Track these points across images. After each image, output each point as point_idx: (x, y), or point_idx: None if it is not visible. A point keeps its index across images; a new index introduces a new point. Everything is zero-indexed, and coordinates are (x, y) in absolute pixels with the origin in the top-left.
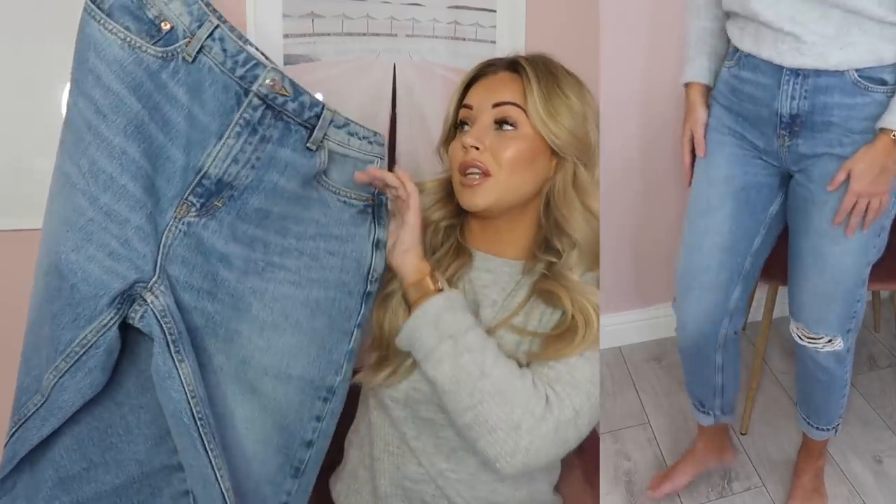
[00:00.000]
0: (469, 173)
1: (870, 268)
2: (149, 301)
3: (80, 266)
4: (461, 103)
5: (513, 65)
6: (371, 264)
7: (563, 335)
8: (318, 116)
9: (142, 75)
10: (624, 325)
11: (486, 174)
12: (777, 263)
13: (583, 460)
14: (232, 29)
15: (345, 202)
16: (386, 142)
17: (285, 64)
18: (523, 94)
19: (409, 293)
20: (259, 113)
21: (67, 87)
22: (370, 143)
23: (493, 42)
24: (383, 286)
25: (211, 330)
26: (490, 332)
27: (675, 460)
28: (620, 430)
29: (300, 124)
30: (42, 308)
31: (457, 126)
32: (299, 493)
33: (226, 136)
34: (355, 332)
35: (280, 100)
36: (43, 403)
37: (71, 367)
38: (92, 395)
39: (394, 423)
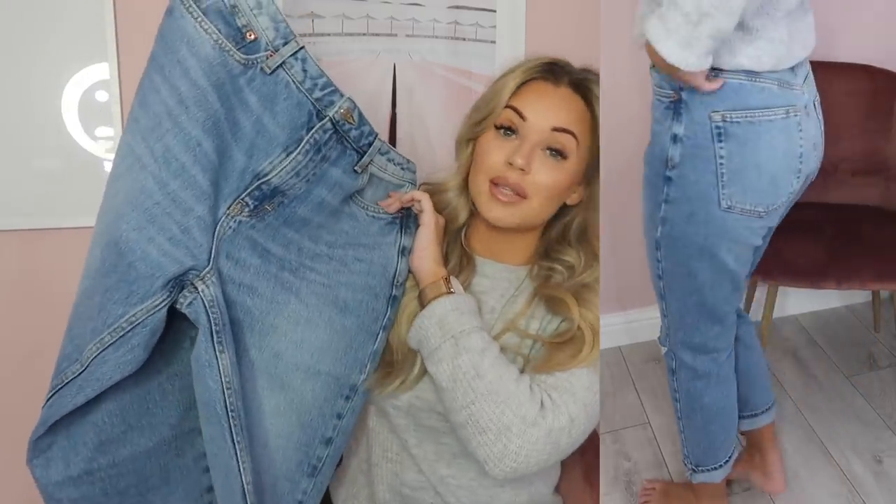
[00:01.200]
0: (503, 190)
1: None
2: (199, 289)
3: (139, 246)
4: (509, 102)
5: (579, 84)
6: (397, 269)
7: (567, 345)
8: (370, 144)
9: (225, 77)
10: (624, 325)
11: (522, 195)
12: (777, 264)
13: (583, 460)
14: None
15: (373, 217)
16: (416, 169)
17: None
18: (581, 123)
19: (423, 295)
20: (327, 135)
21: (67, 87)
22: (403, 169)
23: (493, 42)
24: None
25: (248, 324)
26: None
27: (675, 460)
28: (620, 430)
29: (354, 149)
30: (95, 280)
31: (497, 125)
32: (314, 492)
33: (296, 152)
34: (381, 334)
35: (347, 126)
36: (81, 373)
37: (116, 341)
38: (130, 372)
39: (394, 430)
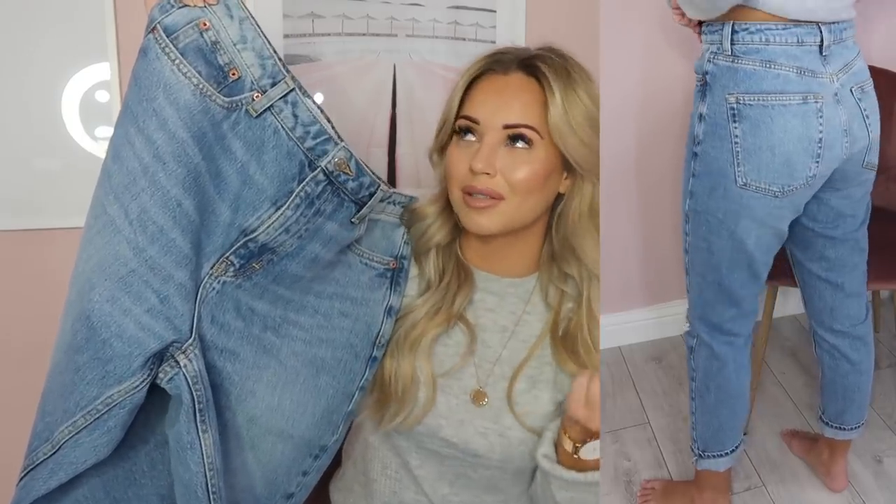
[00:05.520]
0: (476, 198)
1: None
2: (182, 364)
3: (114, 320)
4: (461, 108)
5: (527, 65)
6: (381, 329)
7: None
8: (371, 195)
9: (207, 125)
10: (624, 325)
11: (497, 199)
12: (777, 264)
13: None
14: (306, 94)
15: (366, 264)
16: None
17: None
18: (539, 104)
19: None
20: (320, 188)
21: (67, 87)
22: (403, 206)
23: (493, 42)
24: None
25: (226, 389)
26: (517, 370)
27: (675, 460)
28: (620, 430)
29: (353, 201)
30: (67, 356)
31: (455, 131)
32: None
33: (285, 206)
34: (357, 395)
35: (343, 178)
36: (51, 455)
37: (90, 424)
38: (107, 455)
39: (395, 450)
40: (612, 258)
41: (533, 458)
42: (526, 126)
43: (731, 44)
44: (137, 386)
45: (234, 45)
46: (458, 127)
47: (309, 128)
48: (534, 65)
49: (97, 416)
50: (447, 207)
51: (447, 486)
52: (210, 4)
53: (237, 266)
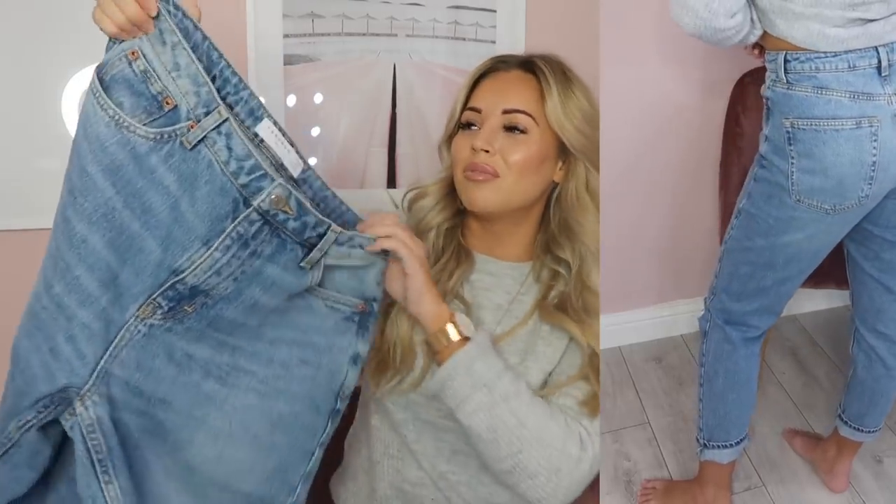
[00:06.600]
0: (475, 172)
1: None
2: (78, 412)
3: (25, 354)
4: (468, 102)
5: (527, 64)
6: (345, 380)
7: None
8: (320, 237)
9: (124, 157)
10: (624, 325)
11: (494, 175)
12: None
13: None
14: (253, 119)
15: (332, 308)
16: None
17: (285, 64)
18: (536, 97)
19: (432, 342)
20: (255, 227)
21: (67, 87)
22: (363, 249)
23: (493, 42)
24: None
25: (160, 437)
26: (496, 339)
27: (675, 460)
28: (620, 430)
29: (298, 243)
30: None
31: (461, 125)
32: None
33: (214, 247)
34: (316, 452)
35: (281, 217)
36: None
37: (2, 454)
38: (21, 493)
39: (394, 427)
40: (613, 258)
41: None
42: (523, 112)
43: (785, 73)
44: (25, 425)
45: (169, 72)
46: (463, 120)
47: (243, 162)
48: (533, 63)
49: (4, 449)
50: (451, 193)
51: (445, 463)
52: (145, 33)
53: (165, 308)
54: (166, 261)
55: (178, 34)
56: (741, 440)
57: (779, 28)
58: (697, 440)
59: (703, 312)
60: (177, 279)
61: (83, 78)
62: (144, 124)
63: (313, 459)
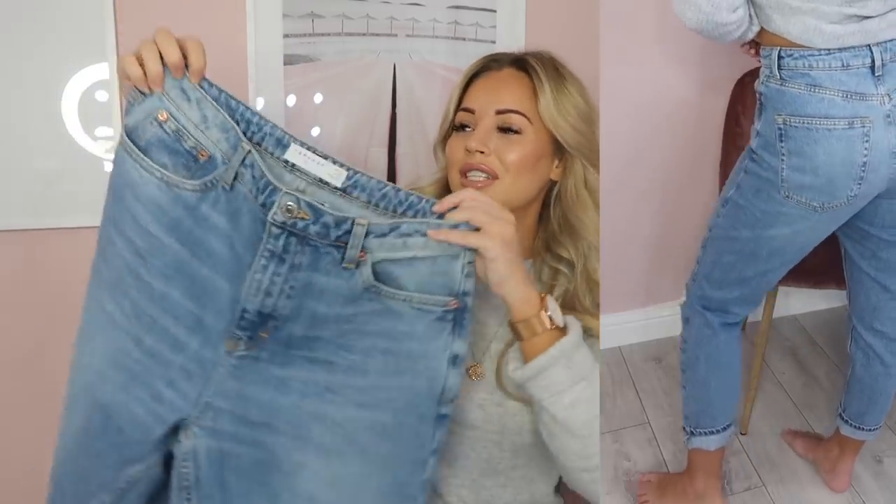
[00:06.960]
0: (472, 175)
1: None
2: (181, 439)
3: (126, 408)
4: (461, 103)
5: (519, 62)
6: (446, 383)
7: None
8: (348, 233)
9: (180, 213)
10: (624, 325)
11: (493, 177)
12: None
13: None
14: (281, 148)
15: (420, 309)
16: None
17: (285, 64)
18: (529, 96)
19: (520, 328)
20: (282, 242)
21: (67, 87)
22: (423, 235)
23: (493, 42)
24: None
25: (275, 465)
26: (508, 344)
27: (675, 461)
28: (620, 430)
29: (330, 245)
30: (81, 443)
31: (455, 127)
32: None
33: (252, 269)
34: (431, 460)
35: (300, 224)
36: None
37: (115, 499)
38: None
39: None
40: (612, 258)
41: (528, 432)
42: (516, 111)
43: (779, 69)
44: (152, 465)
45: (197, 126)
46: (457, 122)
47: (259, 182)
48: (525, 60)
49: (121, 493)
50: (447, 194)
51: (446, 467)
52: (161, 91)
53: (245, 339)
54: (235, 295)
55: (200, 90)
56: (727, 426)
57: (775, 23)
58: (684, 429)
59: (684, 300)
60: (242, 309)
61: (83, 78)
62: (188, 179)
63: (428, 468)
